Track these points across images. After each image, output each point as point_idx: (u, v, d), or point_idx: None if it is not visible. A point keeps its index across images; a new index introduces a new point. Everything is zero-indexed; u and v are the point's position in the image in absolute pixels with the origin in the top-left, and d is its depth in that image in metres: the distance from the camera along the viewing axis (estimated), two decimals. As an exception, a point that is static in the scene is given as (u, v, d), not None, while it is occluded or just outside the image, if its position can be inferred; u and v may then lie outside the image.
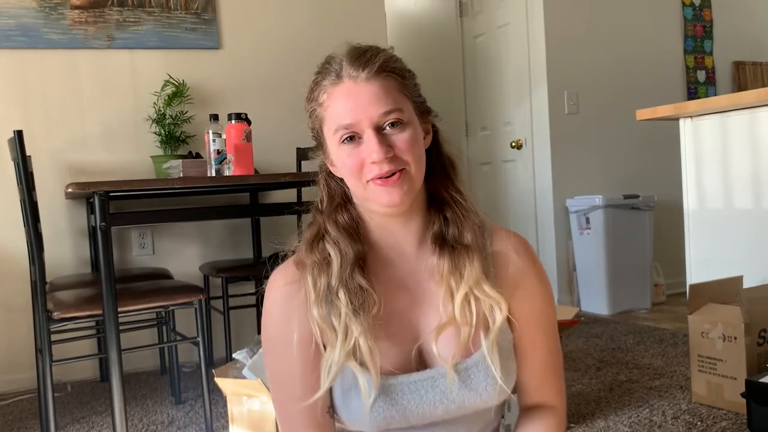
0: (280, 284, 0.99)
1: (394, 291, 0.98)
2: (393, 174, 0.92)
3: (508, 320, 0.99)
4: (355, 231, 0.99)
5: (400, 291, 0.98)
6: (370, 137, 0.91)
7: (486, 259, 0.98)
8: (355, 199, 1.00)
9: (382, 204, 0.94)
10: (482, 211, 1.02)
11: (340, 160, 0.95)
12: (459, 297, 0.95)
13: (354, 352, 0.93)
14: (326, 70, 0.95)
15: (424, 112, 0.99)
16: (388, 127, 0.92)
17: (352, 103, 0.92)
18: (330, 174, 1.01)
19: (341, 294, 0.93)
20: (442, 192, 1.00)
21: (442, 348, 0.95)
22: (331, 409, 0.98)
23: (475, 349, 0.96)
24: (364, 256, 0.98)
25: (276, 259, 1.03)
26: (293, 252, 1.02)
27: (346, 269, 0.95)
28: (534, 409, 1.05)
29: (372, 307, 0.94)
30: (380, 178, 0.92)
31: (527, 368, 1.02)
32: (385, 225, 0.99)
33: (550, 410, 1.05)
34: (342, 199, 1.01)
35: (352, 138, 0.92)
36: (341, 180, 1.00)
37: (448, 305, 0.96)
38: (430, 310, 0.98)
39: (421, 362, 0.97)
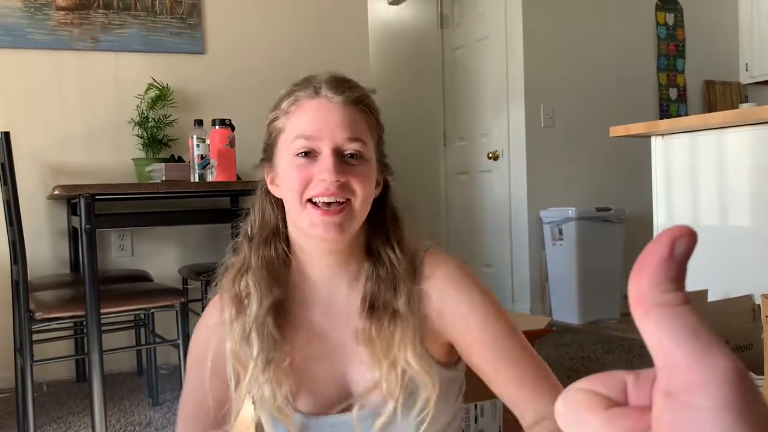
0: (210, 315, 0.99)
1: (316, 335, 0.96)
2: (336, 204, 0.88)
3: (453, 349, 0.97)
4: (280, 270, 0.96)
5: (322, 335, 0.96)
6: (327, 156, 0.88)
7: (419, 321, 0.93)
8: (290, 229, 0.96)
9: (316, 234, 0.89)
10: (421, 237, 1.00)
11: (288, 172, 0.90)
12: (384, 368, 0.91)
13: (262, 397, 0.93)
14: (304, 84, 0.94)
15: (383, 164, 0.97)
16: (347, 156, 0.90)
17: (320, 118, 0.90)
18: (268, 196, 0.98)
19: (253, 338, 0.92)
20: (379, 247, 0.96)
21: (366, 401, 0.94)
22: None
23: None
24: (285, 300, 0.95)
25: (209, 282, 1.03)
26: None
27: (261, 315, 0.92)
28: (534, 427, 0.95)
29: (283, 359, 0.92)
30: (321, 205, 0.88)
31: (504, 391, 0.95)
32: (317, 263, 0.95)
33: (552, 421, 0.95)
34: (273, 231, 0.97)
35: (308, 154, 0.89)
36: (279, 206, 0.96)
37: (374, 371, 0.92)
38: (351, 356, 0.96)
39: (342, 403, 0.96)
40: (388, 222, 0.97)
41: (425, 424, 0.93)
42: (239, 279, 0.95)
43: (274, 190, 0.96)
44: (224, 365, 0.95)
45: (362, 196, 0.90)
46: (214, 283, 1.00)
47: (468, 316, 0.94)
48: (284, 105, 0.94)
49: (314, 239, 0.91)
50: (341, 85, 0.92)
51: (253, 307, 0.92)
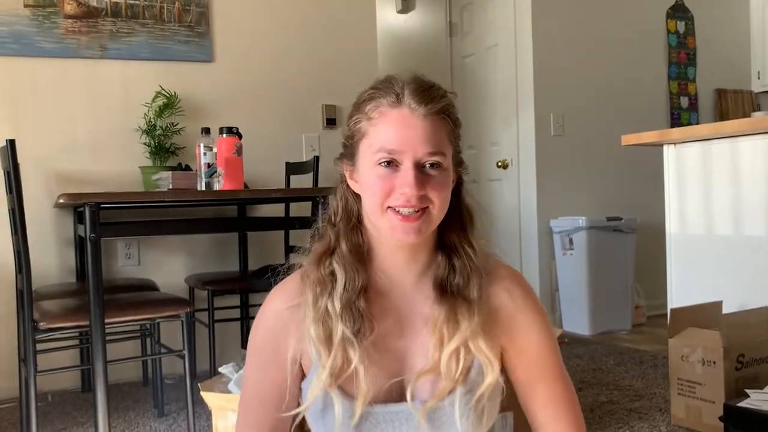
0: (281, 299, 1.00)
1: (385, 320, 0.99)
2: (415, 212, 0.92)
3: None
4: (363, 256, 0.99)
5: (391, 322, 0.99)
6: (408, 169, 0.91)
7: (487, 314, 0.98)
8: (366, 222, 0.99)
9: (395, 237, 0.94)
10: (488, 249, 1.02)
11: (371, 179, 0.94)
12: (449, 349, 0.95)
13: (339, 376, 0.94)
14: (387, 88, 0.95)
15: (458, 162, 1.00)
16: (427, 166, 0.93)
17: (403, 132, 0.92)
18: (348, 188, 1.01)
19: (344, 317, 0.94)
20: (454, 240, 1.00)
21: (420, 388, 0.96)
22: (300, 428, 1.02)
23: (451, 391, 0.96)
24: (367, 283, 0.98)
25: (274, 272, 1.04)
26: (294, 266, 1.03)
27: (352, 293, 0.95)
28: None
29: (369, 334, 0.95)
30: (401, 213, 0.92)
31: (532, 404, 1.04)
32: (390, 255, 0.99)
33: None
34: (356, 220, 1.00)
35: (390, 163, 0.93)
36: (357, 198, 1.00)
37: (435, 353, 0.96)
38: (416, 347, 0.98)
39: (399, 393, 0.97)
40: (464, 217, 1.02)
41: (483, 420, 0.97)
42: (325, 260, 0.98)
43: (354, 186, 0.99)
44: (287, 354, 0.97)
45: (440, 205, 0.94)
46: (284, 268, 1.03)
47: (531, 326, 1.01)
48: (367, 109, 0.95)
49: (392, 240, 0.95)
50: (425, 95, 0.93)
51: (341, 287, 0.95)
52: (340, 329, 0.93)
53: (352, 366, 0.93)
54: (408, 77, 0.96)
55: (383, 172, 0.92)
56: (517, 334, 1.01)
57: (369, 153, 0.94)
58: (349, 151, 0.99)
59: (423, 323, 0.98)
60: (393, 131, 0.92)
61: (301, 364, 1.00)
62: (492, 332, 0.98)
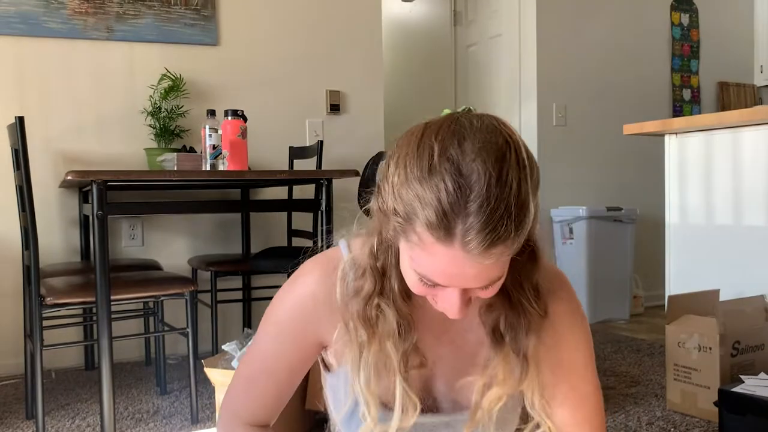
0: (319, 285, 0.92)
1: (425, 329, 0.94)
2: None
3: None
4: (410, 294, 0.89)
5: (428, 333, 0.94)
6: (453, 294, 0.78)
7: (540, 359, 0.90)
8: None
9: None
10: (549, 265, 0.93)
11: (409, 274, 0.81)
12: (494, 395, 0.90)
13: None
14: (442, 219, 0.72)
15: (528, 239, 0.81)
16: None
17: (452, 272, 0.75)
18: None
19: (401, 368, 0.88)
20: (511, 288, 0.87)
21: (459, 398, 0.95)
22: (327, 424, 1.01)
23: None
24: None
25: (305, 252, 0.99)
26: (323, 248, 0.97)
27: (408, 344, 0.88)
28: None
29: (410, 337, 0.88)
30: None
31: (558, 415, 0.96)
32: None
33: None
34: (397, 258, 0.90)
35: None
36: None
37: (478, 395, 0.91)
38: (451, 368, 0.95)
39: (431, 405, 0.95)
40: (524, 263, 0.86)
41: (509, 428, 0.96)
42: (373, 301, 0.87)
43: (389, 239, 0.83)
44: (310, 339, 0.93)
45: (493, 294, 0.82)
46: (314, 247, 0.97)
47: (578, 339, 0.96)
48: (407, 212, 0.74)
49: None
50: (490, 235, 0.71)
51: (394, 335, 0.87)
52: (399, 385, 0.88)
53: (398, 394, 0.88)
54: (475, 203, 0.71)
55: (423, 286, 0.79)
56: (552, 341, 0.93)
57: (407, 257, 0.79)
58: (385, 219, 0.80)
59: (471, 350, 0.93)
60: (440, 268, 0.75)
61: (323, 352, 0.97)
62: (543, 362, 0.92)
